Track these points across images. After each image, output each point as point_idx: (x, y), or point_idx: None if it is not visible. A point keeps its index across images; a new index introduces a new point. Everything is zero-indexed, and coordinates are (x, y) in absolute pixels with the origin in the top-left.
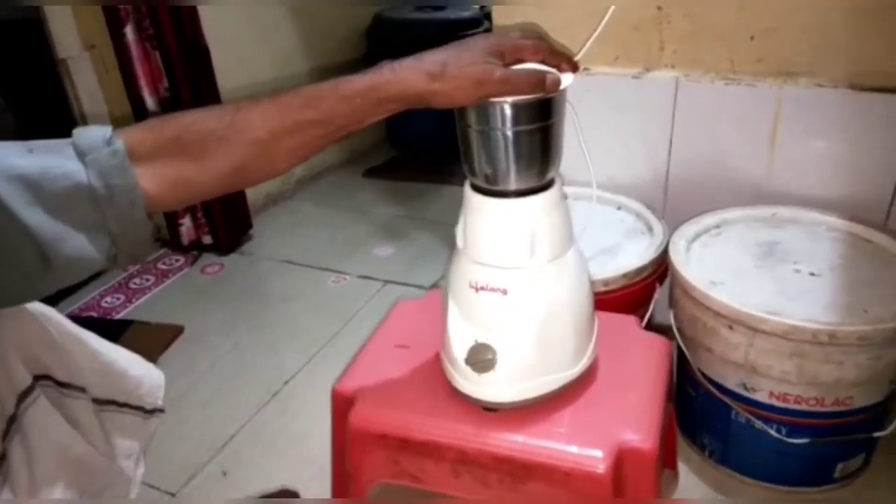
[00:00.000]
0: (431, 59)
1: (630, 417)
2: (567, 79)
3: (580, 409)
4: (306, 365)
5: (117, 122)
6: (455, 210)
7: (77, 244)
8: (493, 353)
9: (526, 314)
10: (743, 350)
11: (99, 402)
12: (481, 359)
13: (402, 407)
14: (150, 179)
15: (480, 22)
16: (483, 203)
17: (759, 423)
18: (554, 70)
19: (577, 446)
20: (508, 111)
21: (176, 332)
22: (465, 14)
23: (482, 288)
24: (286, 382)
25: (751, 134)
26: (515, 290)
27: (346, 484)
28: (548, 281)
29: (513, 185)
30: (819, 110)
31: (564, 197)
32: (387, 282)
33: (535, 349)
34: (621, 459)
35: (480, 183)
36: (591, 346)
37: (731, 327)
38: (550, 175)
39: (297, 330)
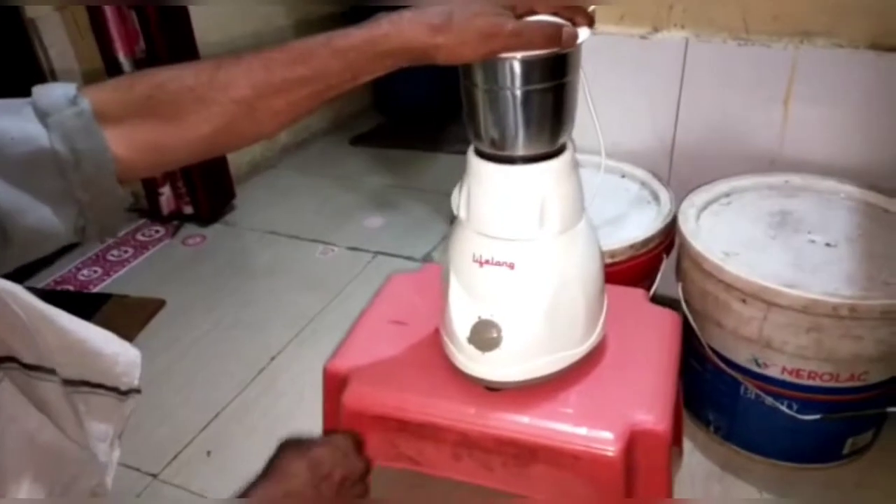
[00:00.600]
0: (435, 10)
1: (642, 397)
2: (583, 33)
3: (589, 388)
4: (293, 340)
5: (90, 82)
6: (448, 178)
7: (40, 216)
8: (498, 330)
9: (534, 289)
10: (757, 324)
11: (70, 383)
12: (485, 336)
13: (400, 387)
14: (121, 143)
15: None
16: (489, 170)
17: (769, 400)
18: (568, 23)
19: (587, 428)
20: (519, 68)
21: (156, 306)
22: None
23: (487, 261)
24: (272, 359)
25: (763, 98)
26: (523, 264)
27: None
28: (558, 254)
29: (522, 150)
30: (837, 73)
31: (576, 163)
32: (377, 253)
33: (542, 326)
34: (633, 442)
35: (486, 148)
36: (601, 322)
37: (744, 301)
38: (562, 140)
39: (283, 304)
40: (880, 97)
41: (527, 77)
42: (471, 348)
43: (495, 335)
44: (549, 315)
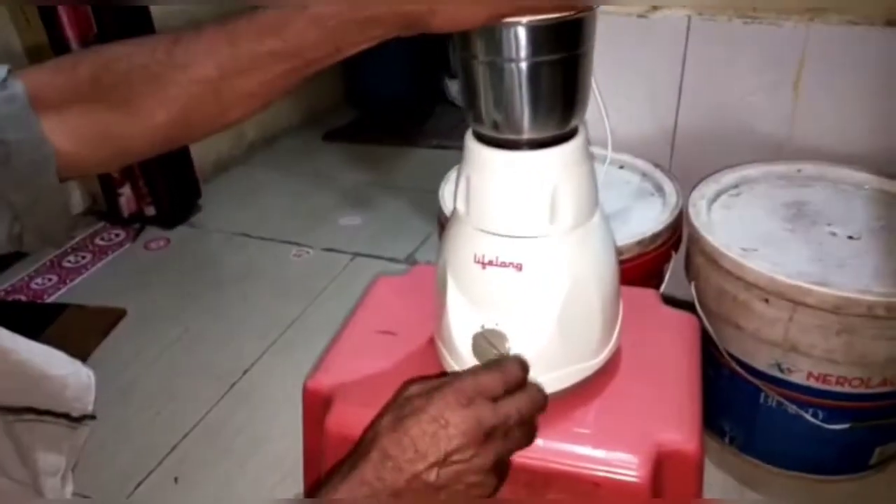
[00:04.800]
0: None
1: (667, 413)
2: None
3: (607, 404)
4: (268, 351)
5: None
6: (427, 174)
7: None
8: (504, 341)
9: (545, 293)
10: (781, 326)
11: (13, 411)
12: (489, 347)
13: None
14: (63, 133)
15: None
16: (491, 157)
17: (792, 408)
18: None
19: (607, 450)
20: (525, 36)
21: (116, 316)
22: None
23: (490, 263)
24: (245, 372)
25: (772, 80)
26: (532, 265)
27: None
28: (571, 252)
29: (528, 133)
30: (851, 52)
31: (590, 149)
32: (356, 255)
33: (555, 335)
34: (660, 464)
35: (487, 131)
36: (617, 328)
37: (766, 301)
38: (575, 122)
39: (255, 311)
40: None
41: (535, 46)
42: (473, 361)
43: (501, 346)
44: (563, 322)
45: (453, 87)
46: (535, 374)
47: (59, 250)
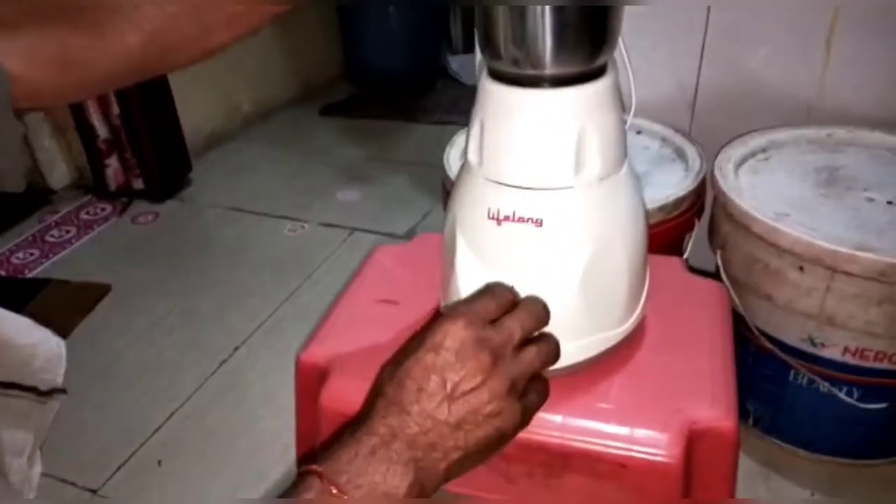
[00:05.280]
0: None
1: (700, 387)
2: None
3: (633, 377)
4: (260, 328)
5: None
6: (428, 149)
7: None
8: None
9: (568, 252)
10: (818, 297)
11: None
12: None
13: None
14: (18, 55)
15: None
16: (510, 96)
17: (825, 386)
18: None
19: (635, 428)
20: None
21: (101, 292)
22: None
23: (507, 218)
24: (236, 349)
25: (801, 39)
26: (554, 220)
27: None
28: (598, 207)
29: (552, 68)
30: (889, 7)
31: (619, 92)
32: (354, 230)
33: (578, 299)
34: (692, 444)
35: (506, 67)
36: (644, 295)
37: (801, 268)
38: (604, 57)
39: (247, 287)
40: None
41: None
42: None
43: None
44: (586, 285)
45: (455, 62)
46: None
47: (41, 224)
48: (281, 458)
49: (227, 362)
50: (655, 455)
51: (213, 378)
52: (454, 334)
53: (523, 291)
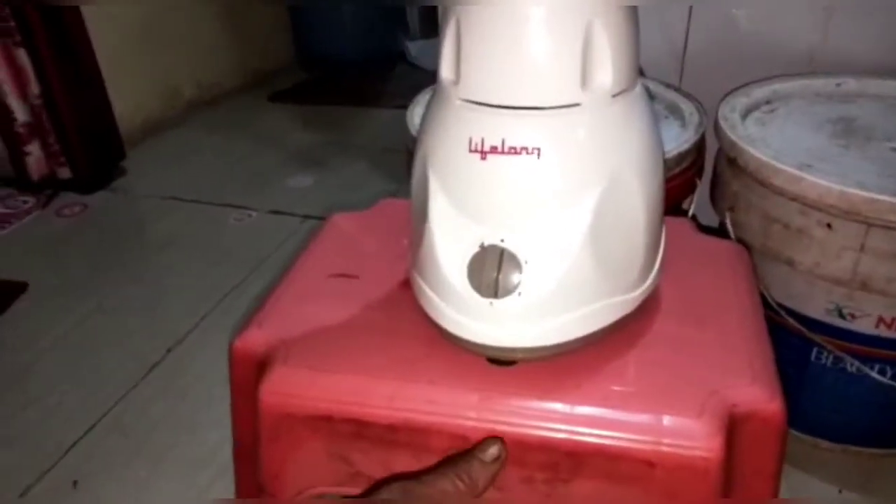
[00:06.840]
0: None
1: (735, 363)
2: None
3: (653, 353)
4: (199, 325)
5: None
6: (383, 134)
7: None
8: (516, 262)
9: (573, 192)
10: (849, 258)
11: None
12: (494, 273)
13: (353, 367)
14: None
15: None
16: None
17: (853, 364)
18: None
19: (660, 414)
20: None
21: (14, 290)
22: None
23: (494, 150)
24: (169, 351)
25: None
26: (556, 150)
27: (257, 496)
28: (610, 132)
29: None
30: None
31: None
32: (306, 217)
33: (587, 253)
34: (733, 432)
35: None
36: (661, 254)
37: (829, 225)
38: None
39: (185, 281)
40: None
41: None
42: (470, 295)
43: (510, 271)
44: (597, 234)
45: (413, 48)
46: (556, 311)
47: None
48: (222, 473)
49: (159, 366)
50: (690, 448)
51: (141, 384)
52: None
53: (517, 245)
